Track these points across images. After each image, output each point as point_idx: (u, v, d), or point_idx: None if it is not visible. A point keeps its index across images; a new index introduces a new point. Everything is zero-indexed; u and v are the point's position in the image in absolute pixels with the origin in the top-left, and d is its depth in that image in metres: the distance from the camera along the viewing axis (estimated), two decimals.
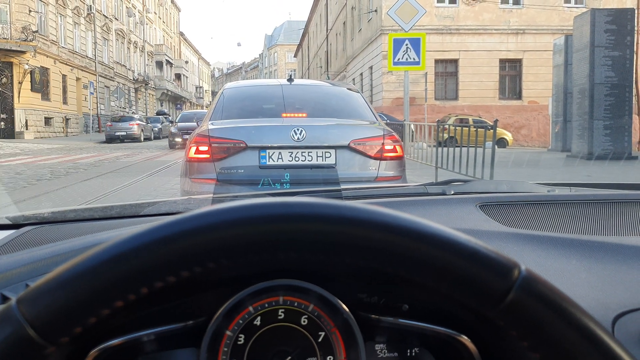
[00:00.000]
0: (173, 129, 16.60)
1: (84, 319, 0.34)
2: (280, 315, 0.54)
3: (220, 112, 3.58)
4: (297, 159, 3.20)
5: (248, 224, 0.34)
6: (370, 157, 3.24)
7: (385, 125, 3.60)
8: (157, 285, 0.34)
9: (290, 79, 3.92)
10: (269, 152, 3.20)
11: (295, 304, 0.54)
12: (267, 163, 3.18)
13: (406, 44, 9.06)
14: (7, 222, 0.86)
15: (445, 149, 6.56)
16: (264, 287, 0.54)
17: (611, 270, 0.64)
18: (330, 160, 3.21)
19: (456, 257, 0.34)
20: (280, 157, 3.20)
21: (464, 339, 0.53)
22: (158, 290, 0.35)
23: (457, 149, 6.16)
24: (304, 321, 0.54)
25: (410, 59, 9.07)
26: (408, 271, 0.34)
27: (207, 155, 3.17)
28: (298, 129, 3.19)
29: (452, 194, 0.96)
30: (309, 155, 3.21)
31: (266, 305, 0.54)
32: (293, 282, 0.54)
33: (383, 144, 3.25)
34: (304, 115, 3.50)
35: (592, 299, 0.57)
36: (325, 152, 3.22)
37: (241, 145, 3.18)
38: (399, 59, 9.11)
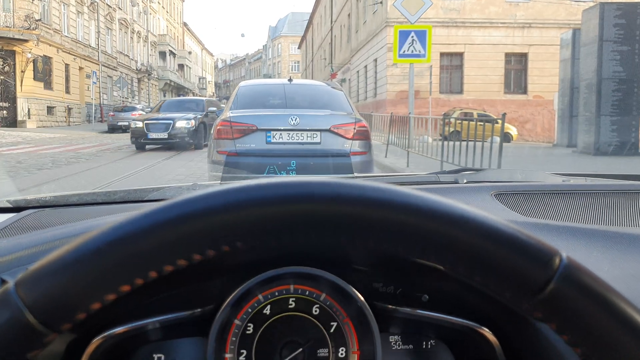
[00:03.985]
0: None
1: (87, 305, 0.31)
2: (291, 304, 0.52)
3: (237, 104, 4.83)
4: (293, 138, 4.44)
5: (267, 204, 0.31)
6: (345, 137, 4.45)
7: (358, 114, 4.82)
8: (167, 269, 0.31)
9: (290, 80, 5.26)
10: (273, 133, 4.43)
11: (307, 293, 0.52)
12: (272, 141, 4.43)
13: (412, 36, 8.99)
14: (8, 205, 0.84)
15: (450, 142, 6.53)
16: (274, 274, 0.51)
17: (634, 262, 0.61)
18: (317, 140, 4.45)
19: (493, 244, 0.31)
20: (281, 136, 4.44)
21: (485, 331, 0.50)
22: (167, 275, 0.32)
23: (463, 143, 6.12)
24: (316, 310, 0.52)
25: (415, 51, 9.00)
26: (438, 258, 0.31)
27: (229, 135, 4.38)
28: (294, 117, 4.42)
29: (466, 183, 0.93)
30: (301, 136, 4.43)
31: (276, 293, 0.51)
32: (304, 269, 0.52)
33: (354, 128, 4.48)
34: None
35: None
36: (313, 134, 4.45)
37: (253, 128, 4.40)
38: (404, 51, 9.04)
